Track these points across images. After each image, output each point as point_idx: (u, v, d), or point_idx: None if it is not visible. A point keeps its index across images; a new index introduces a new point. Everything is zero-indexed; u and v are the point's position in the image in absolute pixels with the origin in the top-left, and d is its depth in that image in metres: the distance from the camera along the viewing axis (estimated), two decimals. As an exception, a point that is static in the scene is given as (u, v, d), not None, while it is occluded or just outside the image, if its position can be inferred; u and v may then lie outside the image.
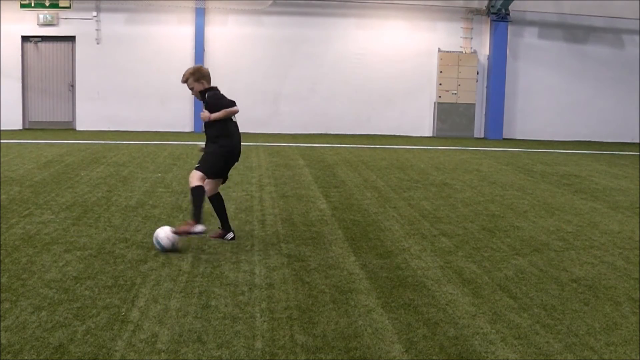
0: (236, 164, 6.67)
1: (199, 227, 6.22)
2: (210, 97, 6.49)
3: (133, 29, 18.53)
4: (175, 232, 6.20)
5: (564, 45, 20.07)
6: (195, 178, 6.29)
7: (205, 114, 6.40)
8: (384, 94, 19.45)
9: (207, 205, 6.53)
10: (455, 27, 19.67)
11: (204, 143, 6.63)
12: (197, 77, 6.50)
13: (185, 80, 6.54)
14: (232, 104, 6.46)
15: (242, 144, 6.62)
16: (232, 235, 6.67)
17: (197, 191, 6.25)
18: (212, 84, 6.68)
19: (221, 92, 6.60)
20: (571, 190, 10.37)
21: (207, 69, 6.68)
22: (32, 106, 18.59)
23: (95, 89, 18.52)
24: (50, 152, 13.00)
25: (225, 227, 6.68)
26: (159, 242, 6.14)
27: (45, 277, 5.19)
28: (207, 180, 6.39)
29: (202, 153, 6.60)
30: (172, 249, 6.11)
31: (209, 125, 6.47)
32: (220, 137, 6.45)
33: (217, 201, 6.62)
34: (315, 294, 5.00)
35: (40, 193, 8.67)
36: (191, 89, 6.56)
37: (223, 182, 6.72)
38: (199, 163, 6.43)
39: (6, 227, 6.77)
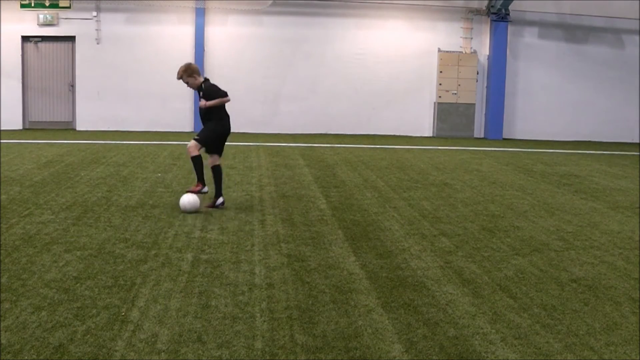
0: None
1: (205, 188, 7.99)
2: (207, 88, 7.88)
3: (133, 29, 18.53)
4: (188, 191, 7.92)
5: (564, 45, 20.07)
6: (193, 148, 7.87)
7: (203, 102, 7.82)
8: (384, 94, 19.46)
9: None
10: (455, 27, 19.67)
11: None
12: (189, 73, 7.88)
13: (179, 77, 7.91)
14: (226, 94, 7.87)
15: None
16: (222, 200, 8.09)
17: (197, 159, 7.90)
18: (211, 83, 8.06)
19: (214, 83, 8.02)
20: (571, 190, 10.37)
21: (196, 64, 8.16)
22: (32, 106, 18.59)
23: (95, 89, 18.51)
24: (50, 152, 13.00)
25: (218, 194, 8.09)
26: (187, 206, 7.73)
27: (45, 277, 5.20)
28: (210, 156, 8.06)
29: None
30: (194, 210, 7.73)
31: (207, 110, 7.85)
32: (216, 120, 7.91)
33: (217, 171, 8.07)
34: (315, 294, 5.00)
35: (40, 193, 8.67)
36: (186, 82, 7.94)
37: (219, 154, 8.16)
38: (197, 135, 7.94)
39: (6, 227, 6.77)
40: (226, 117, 8.03)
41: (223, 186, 8.31)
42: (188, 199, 7.79)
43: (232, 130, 8.22)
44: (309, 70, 19.17)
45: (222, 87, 8.05)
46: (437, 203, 8.86)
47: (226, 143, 8.25)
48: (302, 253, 6.16)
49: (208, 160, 8.10)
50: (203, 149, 8.05)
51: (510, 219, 8.01)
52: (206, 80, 7.99)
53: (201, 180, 8.00)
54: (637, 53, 20.09)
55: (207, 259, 5.87)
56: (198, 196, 7.93)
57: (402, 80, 19.48)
